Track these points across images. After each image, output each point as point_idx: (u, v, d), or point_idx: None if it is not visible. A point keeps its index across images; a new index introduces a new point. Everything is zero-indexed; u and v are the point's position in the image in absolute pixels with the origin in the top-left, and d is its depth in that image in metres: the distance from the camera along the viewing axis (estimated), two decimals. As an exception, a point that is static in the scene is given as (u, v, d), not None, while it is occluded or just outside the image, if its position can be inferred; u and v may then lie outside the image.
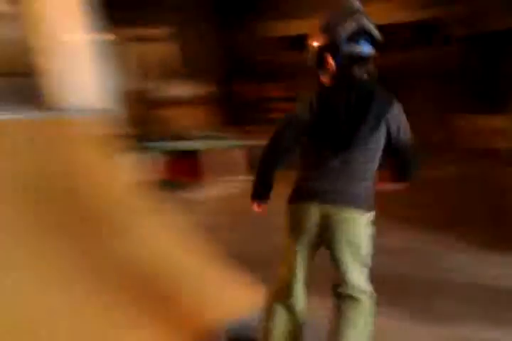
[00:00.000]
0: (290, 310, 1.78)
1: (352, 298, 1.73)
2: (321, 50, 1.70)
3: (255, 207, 1.83)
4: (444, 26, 7.16)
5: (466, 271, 2.93)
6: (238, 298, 2.19)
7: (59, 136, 2.38)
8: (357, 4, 1.69)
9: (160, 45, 7.70)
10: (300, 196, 1.74)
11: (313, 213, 1.68)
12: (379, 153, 1.71)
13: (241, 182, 5.88)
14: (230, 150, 5.97)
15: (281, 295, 1.79)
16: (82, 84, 4.10)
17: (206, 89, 7.98)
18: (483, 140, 6.39)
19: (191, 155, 5.71)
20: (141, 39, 7.38)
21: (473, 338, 2.19)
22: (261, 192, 1.80)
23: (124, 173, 2.82)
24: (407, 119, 1.74)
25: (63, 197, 2.17)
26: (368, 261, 1.76)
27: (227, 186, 5.65)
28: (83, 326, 1.85)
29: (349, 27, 1.64)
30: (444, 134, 6.65)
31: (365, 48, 1.68)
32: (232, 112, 7.76)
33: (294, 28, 7.46)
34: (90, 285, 2.00)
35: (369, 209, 1.71)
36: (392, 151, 1.72)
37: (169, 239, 2.58)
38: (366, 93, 1.66)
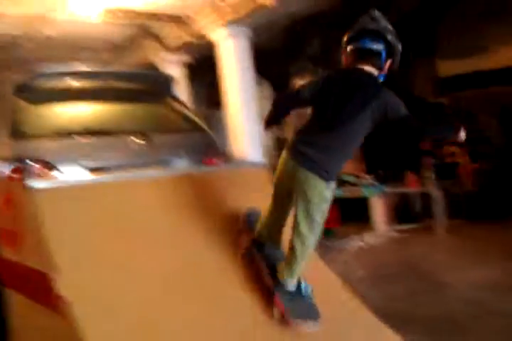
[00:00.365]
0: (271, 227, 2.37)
1: (295, 245, 2.13)
2: (343, 46, 2.16)
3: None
4: None
5: None
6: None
7: (241, 185, 2.59)
8: (374, 13, 2.10)
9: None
10: (290, 151, 2.17)
11: (291, 166, 2.12)
12: (359, 137, 2.10)
13: (381, 234, 5.58)
14: (371, 198, 5.77)
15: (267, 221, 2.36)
16: (245, 136, 4.43)
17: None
18: None
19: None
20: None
21: None
22: (272, 119, 2.28)
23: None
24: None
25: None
26: (319, 228, 2.14)
27: (366, 236, 5.44)
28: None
29: (356, 28, 2.10)
30: None
31: (365, 44, 2.05)
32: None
33: (466, 65, 6.80)
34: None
35: (329, 179, 2.09)
36: (398, 128, 2.09)
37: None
38: (358, 84, 2.02)
